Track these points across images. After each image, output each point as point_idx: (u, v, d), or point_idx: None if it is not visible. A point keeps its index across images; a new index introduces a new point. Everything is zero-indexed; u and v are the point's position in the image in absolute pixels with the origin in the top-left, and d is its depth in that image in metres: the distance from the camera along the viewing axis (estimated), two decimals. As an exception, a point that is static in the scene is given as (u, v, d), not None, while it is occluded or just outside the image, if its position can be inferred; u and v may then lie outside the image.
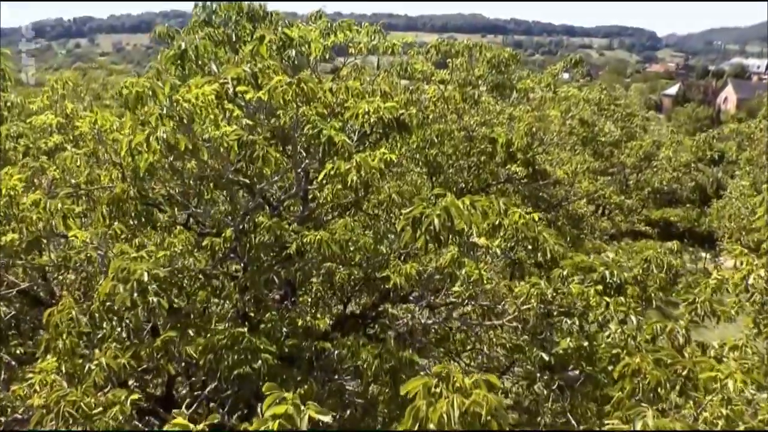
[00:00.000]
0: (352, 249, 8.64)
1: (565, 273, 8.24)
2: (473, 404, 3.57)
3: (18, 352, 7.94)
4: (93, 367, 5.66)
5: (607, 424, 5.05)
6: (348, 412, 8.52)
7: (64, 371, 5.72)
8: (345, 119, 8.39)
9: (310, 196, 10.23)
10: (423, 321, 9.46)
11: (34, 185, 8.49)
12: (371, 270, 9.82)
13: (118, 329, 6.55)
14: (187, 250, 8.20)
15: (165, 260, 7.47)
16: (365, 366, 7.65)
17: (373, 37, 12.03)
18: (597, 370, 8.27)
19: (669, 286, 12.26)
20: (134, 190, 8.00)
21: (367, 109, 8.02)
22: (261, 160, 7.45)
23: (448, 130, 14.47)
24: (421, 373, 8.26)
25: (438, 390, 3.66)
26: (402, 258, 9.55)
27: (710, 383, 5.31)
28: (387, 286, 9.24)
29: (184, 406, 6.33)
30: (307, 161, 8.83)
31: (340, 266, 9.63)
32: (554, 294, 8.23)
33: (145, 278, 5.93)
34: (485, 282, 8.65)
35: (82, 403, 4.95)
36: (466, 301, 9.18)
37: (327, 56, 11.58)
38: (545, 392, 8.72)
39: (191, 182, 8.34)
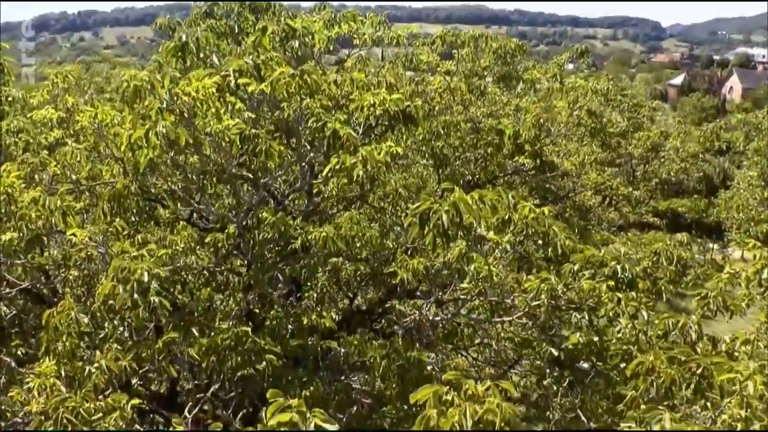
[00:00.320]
0: (358, 245, 8.48)
1: (575, 268, 8.06)
2: (487, 413, 3.41)
3: (19, 352, 7.81)
4: (93, 370, 5.53)
5: (622, 425, 4.91)
6: (354, 408, 8.39)
7: (63, 374, 5.58)
8: (350, 111, 8.22)
9: (315, 190, 10.09)
10: (431, 317, 9.30)
11: (35, 181, 8.34)
12: (378, 265, 9.67)
13: (120, 329, 6.43)
14: (190, 247, 8.06)
15: (167, 258, 7.32)
16: (372, 363, 7.52)
17: (377, 28, 11.87)
18: (608, 368, 8.11)
19: (678, 278, 12.14)
20: (136, 186, 7.86)
21: (372, 101, 7.86)
22: (264, 153, 7.30)
23: (455, 122, 14.29)
24: (428, 368, 8.17)
25: (449, 398, 3.49)
26: (409, 252, 9.40)
27: (728, 384, 5.13)
28: (394, 282, 9.09)
29: (186, 410, 6.21)
30: (311, 154, 8.67)
31: (346, 261, 9.49)
32: (564, 289, 8.06)
33: (146, 278, 5.79)
34: (494, 277, 8.49)
35: (81, 409, 4.81)
36: (475, 296, 9.01)
37: (331, 48, 11.45)
38: (554, 387, 8.58)
39: (194, 177, 8.19)
